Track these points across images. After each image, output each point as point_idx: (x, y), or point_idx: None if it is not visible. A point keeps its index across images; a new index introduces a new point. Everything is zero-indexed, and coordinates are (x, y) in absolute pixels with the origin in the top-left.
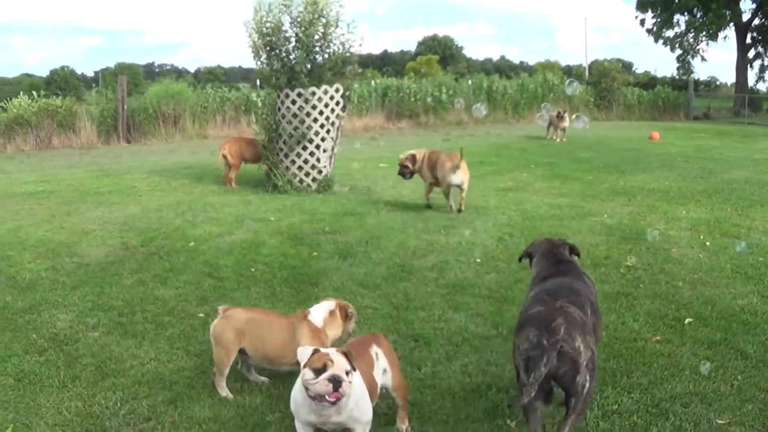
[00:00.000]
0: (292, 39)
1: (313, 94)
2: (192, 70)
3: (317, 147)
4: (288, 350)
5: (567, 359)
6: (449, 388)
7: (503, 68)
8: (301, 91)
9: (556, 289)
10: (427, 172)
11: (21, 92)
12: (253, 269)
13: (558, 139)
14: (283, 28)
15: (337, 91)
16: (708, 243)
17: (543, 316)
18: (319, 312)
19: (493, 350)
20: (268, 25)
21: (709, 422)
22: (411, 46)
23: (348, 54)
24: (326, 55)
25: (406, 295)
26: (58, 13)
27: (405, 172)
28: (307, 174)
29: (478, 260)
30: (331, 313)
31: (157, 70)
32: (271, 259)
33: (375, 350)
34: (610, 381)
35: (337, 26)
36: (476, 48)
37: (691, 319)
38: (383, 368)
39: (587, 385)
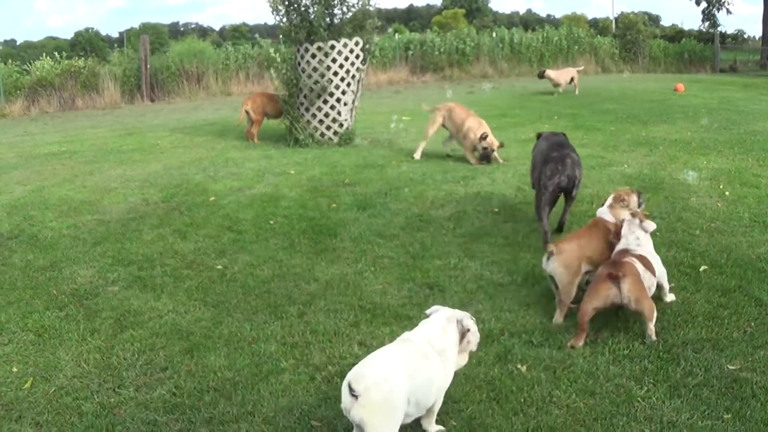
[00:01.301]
0: None
1: (333, 47)
2: (217, 28)
3: (338, 100)
4: None
5: (571, 180)
6: None
7: (530, 21)
8: (321, 44)
9: (562, 144)
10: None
11: (45, 55)
12: (272, 222)
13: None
14: None
15: (356, 44)
16: (727, 192)
17: (559, 157)
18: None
19: (507, 297)
20: None
21: (720, 367)
22: (437, 0)
23: (368, 7)
24: (345, 9)
25: (422, 244)
26: None
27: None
28: (328, 127)
29: (496, 209)
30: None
31: (182, 29)
32: (290, 212)
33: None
34: (622, 327)
35: None
36: (503, 1)
37: (706, 267)
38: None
39: (575, 192)
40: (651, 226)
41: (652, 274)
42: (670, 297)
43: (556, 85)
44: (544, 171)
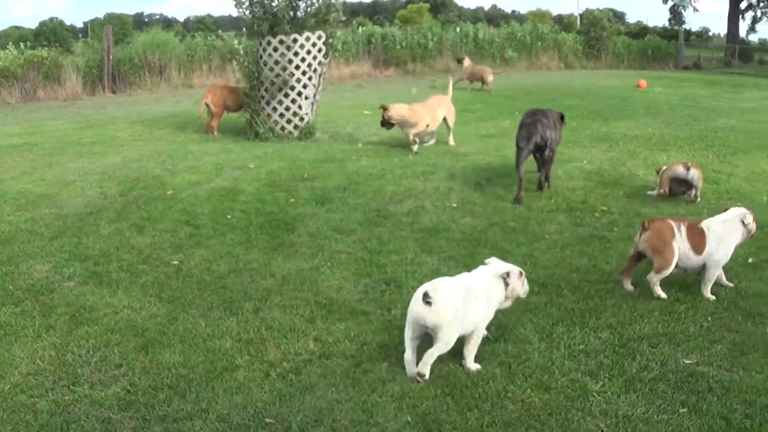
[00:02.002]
0: None
1: (295, 41)
2: (181, 20)
3: (299, 94)
4: None
5: (543, 140)
6: None
7: (494, 17)
8: (283, 38)
9: (538, 112)
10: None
11: (9, 44)
12: (229, 216)
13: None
14: None
15: (319, 38)
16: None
17: (532, 121)
18: None
19: None
20: None
21: (676, 362)
22: None
23: (332, 1)
24: (309, 2)
25: (380, 239)
26: None
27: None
28: (289, 121)
29: (454, 205)
30: None
31: (146, 20)
32: (248, 206)
33: None
34: (578, 322)
35: None
36: None
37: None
38: None
39: (550, 154)
40: (753, 225)
41: (696, 250)
42: (706, 291)
43: (463, 78)
44: (520, 133)
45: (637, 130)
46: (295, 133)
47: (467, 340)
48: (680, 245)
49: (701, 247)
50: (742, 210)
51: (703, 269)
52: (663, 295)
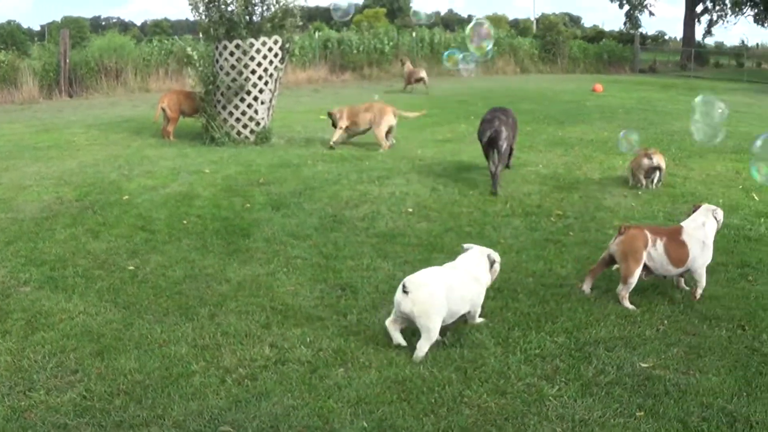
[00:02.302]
0: None
1: (251, 45)
2: (138, 23)
3: (255, 99)
4: None
5: (498, 135)
6: (374, 335)
7: (451, 21)
8: (240, 42)
9: (498, 109)
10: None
11: None
12: (185, 221)
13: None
14: None
15: (275, 43)
16: (638, 192)
17: (490, 118)
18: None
19: None
20: None
21: (633, 365)
22: None
23: (290, 6)
24: (266, 7)
25: (335, 244)
26: None
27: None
28: (245, 126)
29: (410, 210)
30: None
31: (103, 23)
32: (204, 211)
33: None
34: (534, 326)
35: None
36: (425, 1)
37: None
38: None
39: (506, 146)
40: (720, 215)
41: (676, 263)
42: (699, 292)
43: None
44: (480, 129)
45: (593, 134)
46: (251, 138)
47: (469, 318)
48: (654, 256)
49: (682, 260)
50: (711, 206)
51: (688, 273)
52: (632, 307)
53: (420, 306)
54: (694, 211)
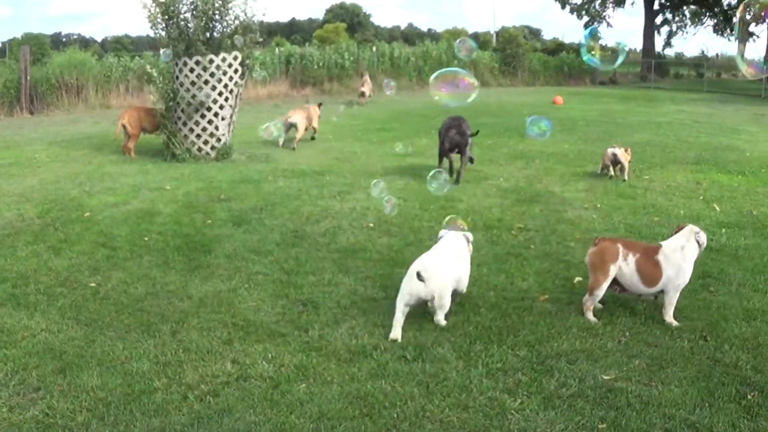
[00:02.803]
0: (191, 7)
1: (211, 61)
2: (99, 40)
3: (215, 115)
4: None
5: (461, 139)
6: (335, 350)
7: (411, 36)
8: (199, 59)
9: (458, 117)
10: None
11: None
12: (146, 238)
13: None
14: None
15: (235, 58)
16: (599, 204)
17: (452, 124)
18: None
19: (381, 312)
20: None
21: (595, 378)
22: (319, 14)
23: (248, 22)
24: (225, 23)
25: (297, 260)
26: None
27: None
28: (206, 142)
29: (371, 225)
30: None
31: (63, 39)
32: (165, 228)
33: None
34: (495, 340)
35: None
36: (385, 16)
37: (580, 278)
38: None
39: (467, 151)
40: (703, 238)
41: (646, 282)
42: (668, 318)
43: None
44: (446, 135)
45: (554, 146)
46: (212, 154)
47: (459, 292)
48: (625, 271)
49: (654, 280)
50: (694, 228)
51: (662, 293)
52: (593, 320)
53: (437, 290)
54: (677, 232)
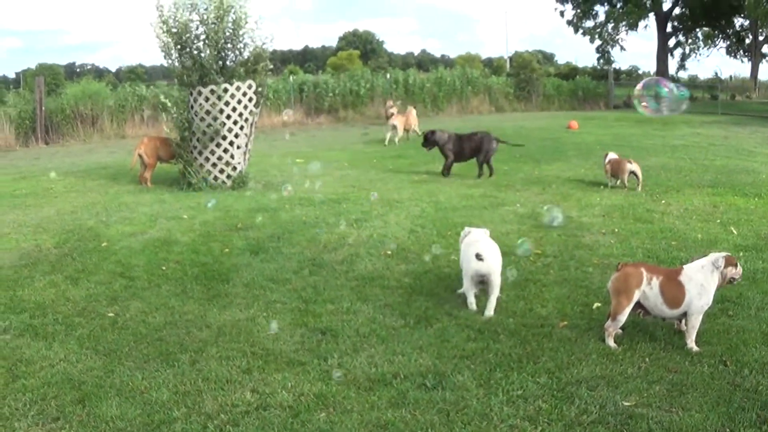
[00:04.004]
0: (202, 36)
1: (225, 90)
2: (113, 70)
3: (231, 144)
4: None
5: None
6: (355, 378)
7: (424, 62)
8: (213, 88)
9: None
10: None
11: None
12: (164, 267)
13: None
14: (191, 26)
15: (249, 87)
16: (617, 229)
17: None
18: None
19: (400, 340)
20: (175, 24)
21: (615, 404)
22: (332, 42)
23: (260, 50)
24: (237, 52)
25: (315, 288)
26: None
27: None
28: (222, 171)
29: (389, 252)
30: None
31: (78, 70)
32: (182, 257)
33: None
34: (515, 367)
35: (246, 23)
36: (398, 42)
37: (599, 304)
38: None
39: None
40: (737, 273)
41: (671, 304)
42: (690, 342)
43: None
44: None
45: (570, 171)
46: (228, 183)
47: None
48: (649, 295)
49: (677, 302)
50: (715, 255)
51: (684, 317)
52: (614, 346)
53: (494, 267)
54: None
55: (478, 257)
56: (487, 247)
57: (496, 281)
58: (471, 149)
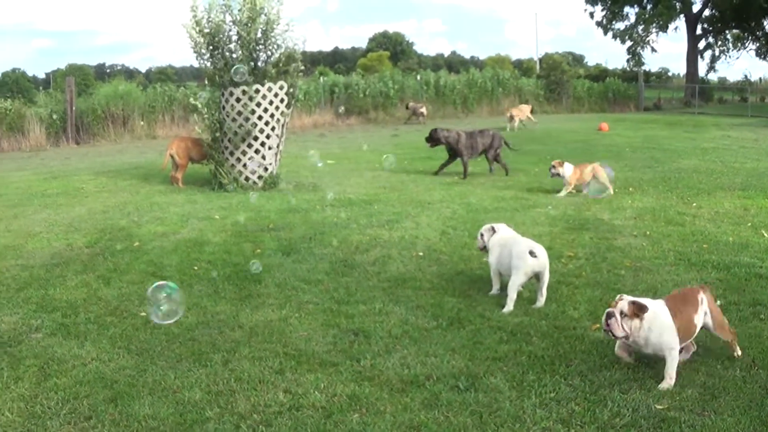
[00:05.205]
0: (234, 37)
1: (257, 91)
2: (143, 70)
3: (262, 144)
4: None
5: (497, 142)
6: (388, 380)
7: (454, 63)
8: (245, 88)
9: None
10: None
11: None
12: (196, 267)
13: None
14: (224, 27)
15: (281, 88)
16: (648, 231)
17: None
18: None
19: (433, 341)
20: (208, 24)
21: (648, 408)
22: (362, 43)
23: (291, 51)
24: (269, 53)
25: (347, 289)
26: (10, 14)
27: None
28: (253, 171)
29: (421, 254)
30: None
31: (108, 70)
32: (214, 257)
33: (701, 297)
34: (548, 369)
35: (278, 24)
36: (427, 44)
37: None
38: (704, 311)
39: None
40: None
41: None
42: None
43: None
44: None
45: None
46: (260, 184)
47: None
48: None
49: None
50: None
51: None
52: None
53: (546, 262)
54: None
55: (533, 254)
56: (537, 244)
57: (546, 275)
58: (484, 145)
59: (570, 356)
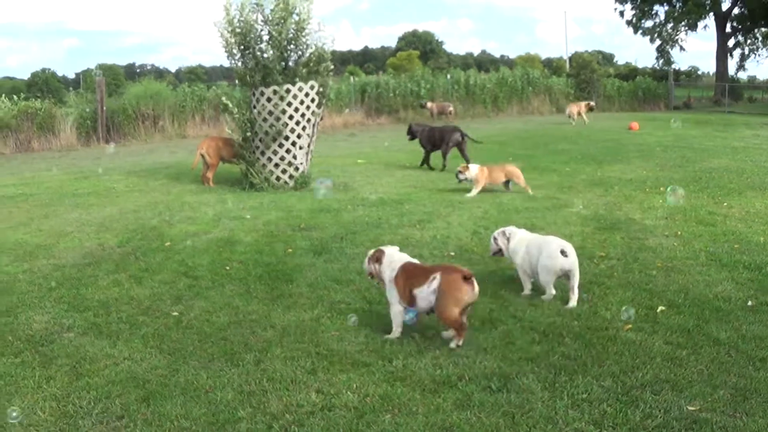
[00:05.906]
0: (265, 37)
1: (288, 91)
2: (173, 70)
3: (293, 144)
4: None
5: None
6: (420, 380)
7: (484, 62)
8: (276, 88)
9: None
10: None
11: (2, 95)
12: (228, 267)
13: None
14: (256, 27)
15: (312, 88)
16: (679, 232)
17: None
18: None
19: (465, 342)
20: (240, 24)
21: (680, 409)
22: (392, 42)
23: (321, 51)
24: (300, 53)
25: (379, 289)
26: (41, 14)
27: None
28: (284, 171)
29: (452, 253)
30: None
31: (138, 70)
32: (246, 257)
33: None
34: (580, 370)
35: (309, 24)
36: (457, 43)
37: (663, 307)
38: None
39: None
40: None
41: None
42: None
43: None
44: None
45: (632, 173)
46: (291, 183)
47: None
48: None
49: None
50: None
51: None
52: None
53: (575, 261)
54: None
55: (563, 253)
56: (568, 243)
57: (576, 273)
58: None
59: (602, 357)
